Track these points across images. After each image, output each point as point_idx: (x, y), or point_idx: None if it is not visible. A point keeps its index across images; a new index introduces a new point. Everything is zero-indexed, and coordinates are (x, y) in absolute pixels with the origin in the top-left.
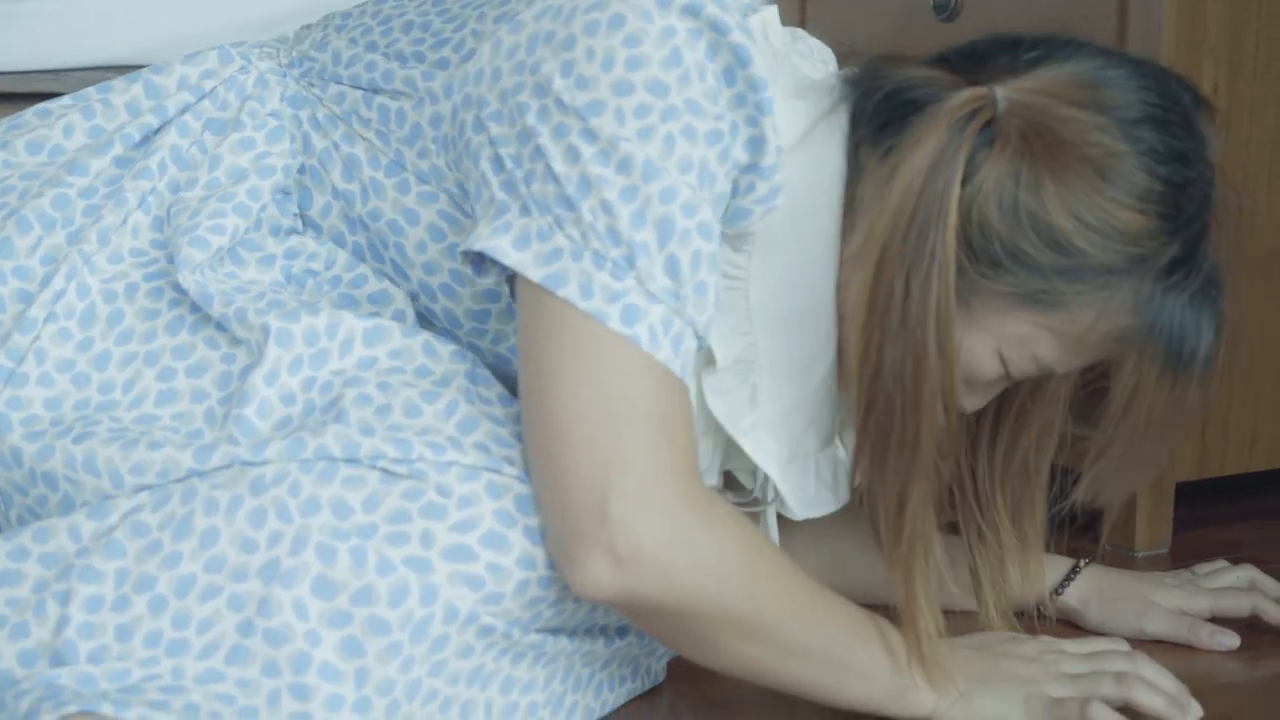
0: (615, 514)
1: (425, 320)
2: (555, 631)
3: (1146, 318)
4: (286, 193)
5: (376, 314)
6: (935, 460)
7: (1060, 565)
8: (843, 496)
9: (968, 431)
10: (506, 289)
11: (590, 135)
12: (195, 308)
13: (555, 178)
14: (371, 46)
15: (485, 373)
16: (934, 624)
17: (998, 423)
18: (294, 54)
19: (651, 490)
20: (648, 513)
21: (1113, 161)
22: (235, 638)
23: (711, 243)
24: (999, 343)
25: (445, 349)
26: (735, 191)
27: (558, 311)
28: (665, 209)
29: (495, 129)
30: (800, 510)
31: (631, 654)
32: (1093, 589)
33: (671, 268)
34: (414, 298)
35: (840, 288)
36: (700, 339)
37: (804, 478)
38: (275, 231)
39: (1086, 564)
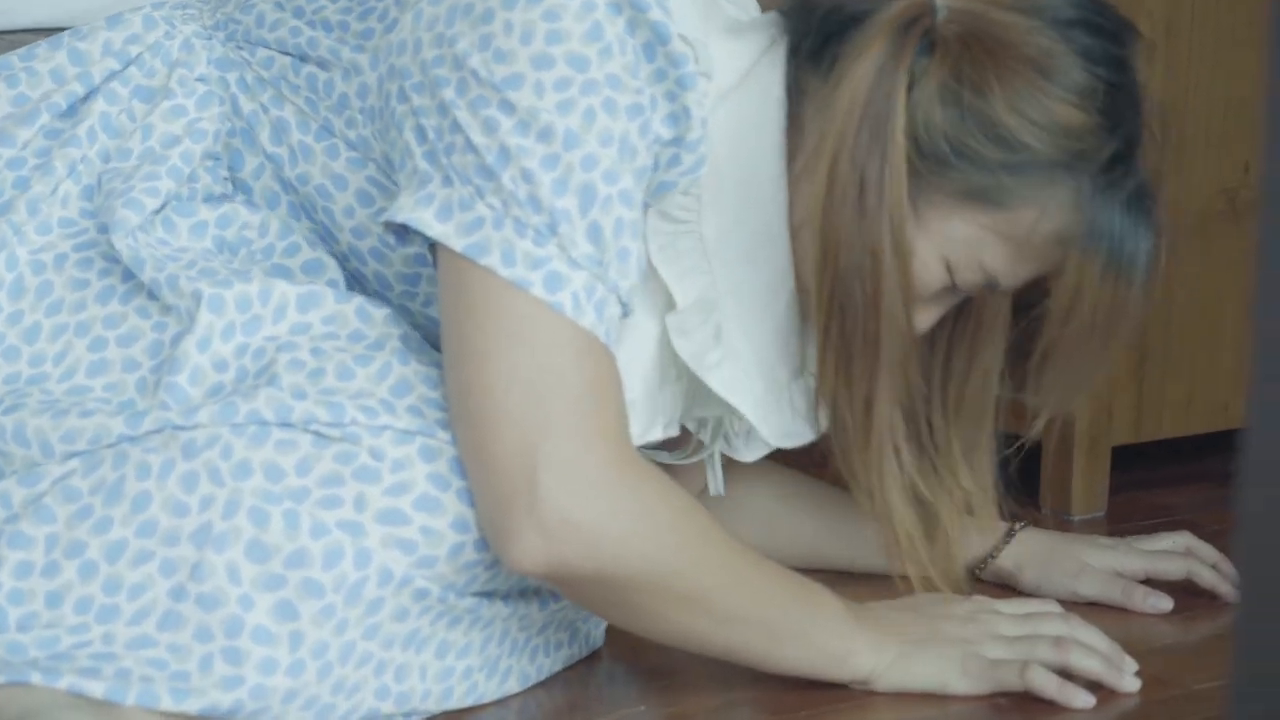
0: (543, 485)
1: (357, 283)
2: (490, 595)
3: (1087, 216)
4: (216, 158)
5: (310, 282)
6: (898, 359)
7: (996, 529)
8: (820, 426)
9: (920, 371)
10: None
11: (509, 107)
12: (127, 276)
13: (474, 149)
14: (298, 12)
15: (419, 337)
16: (909, 525)
17: (947, 367)
18: (219, 16)
19: (579, 460)
20: (576, 483)
21: (1052, 60)
22: (167, 603)
23: (633, 210)
24: (945, 248)
25: (379, 313)
26: (657, 165)
27: (480, 280)
28: (587, 176)
29: (417, 100)
30: (777, 441)
31: (568, 618)
32: (1028, 552)
33: (594, 234)
34: (345, 260)
35: (792, 209)
36: (625, 305)
37: (779, 410)
38: (208, 198)
39: (1022, 527)
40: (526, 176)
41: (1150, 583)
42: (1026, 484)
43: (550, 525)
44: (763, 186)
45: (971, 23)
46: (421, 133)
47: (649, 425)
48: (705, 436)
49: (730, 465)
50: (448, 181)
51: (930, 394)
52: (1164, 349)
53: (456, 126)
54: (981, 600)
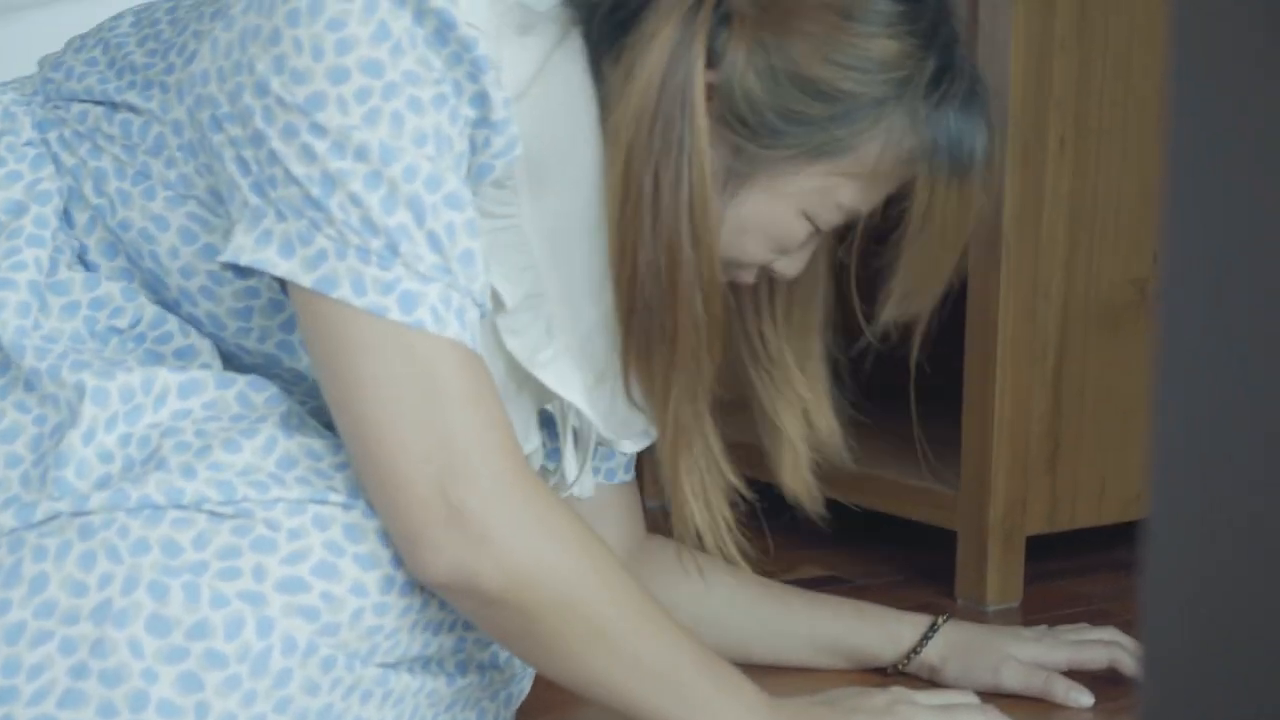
0: (456, 500)
1: (192, 326)
2: (396, 666)
3: (926, 134)
4: (63, 218)
5: (184, 368)
6: (697, 350)
7: (919, 623)
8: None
9: (750, 294)
10: (269, 283)
11: (319, 130)
12: (3, 366)
13: (296, 180)
14: (109, 61)
15: (300, 410)
16: (708, 519)
17: (772, 288)
18: (35, 80)
19: (487, 470)
20: (488, 493)
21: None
22: (68, 681)
23: (463, 211)
24: (800, 203)
25: (259, 396)
26: (474, 148)
27: (338, 314)
28: (411, 188)
29: (232, 130)
30: (613, 433)
31: (475, 697)
32: (950, 645)
33: (434, 244)
34: (177, 306)
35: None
36: (481, 306)
37: (613, 400)
38: (72, 265)
39: (945, 620)
40: (354, 200)
41: (1074, 674)
42: (941, 574)
43: (464, 535)
44: (580, 175)
45: None
46: (243, 164)
47: (522, 439)
48: (565, 463)
49: (670, 561)
50: (281, 216)
51: (759, 307)
52: (1077, 440)
53: (274, 158)
54: (899, 691)
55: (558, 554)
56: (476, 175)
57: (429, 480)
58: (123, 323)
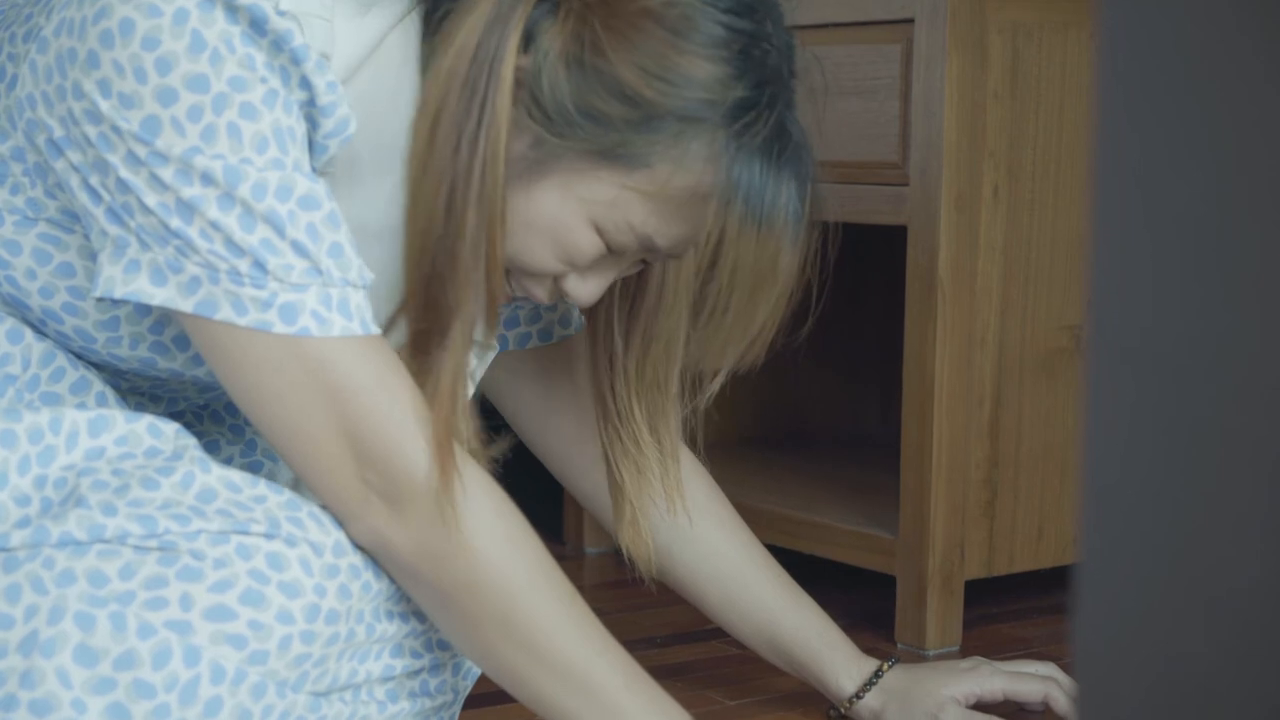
0: (371, 483)
1: (60, 344)
2: (327, 694)
3: (723, 168)
4: None
5: (83, 404)
6: (467, 333)
7: (865, 667)
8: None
9: (602, 349)
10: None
11: (161, 158)
12: None
13: (150, 211)
14: None
15: (209, 445)
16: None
17: (628, 337)
18: None
19: (394, 452)
20: (396, 476)
21: (677, 13)
22: None
23: (320, 208)
24: (590, 211)
25: (169, 428)
26: (312, 126)
27: (226, 335)
28: (264, 204)
29: (73, 156)
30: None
31: None
32: (889, 692)
33: (299, 251)
34: (42, 325)
35: None
36: (364, 286)
37: None
38: None
39: (890, 666)
40: (214, 225)
41: (1009, 705)
42: (881, 620)
43: (382, 510)
44: (391, 161)
45: None
46: (93, 192)
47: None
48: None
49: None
50: (144, 245)
51: (612, 362)
52: (1014, 485)
53: (124, 187)
54: None
55: (470, 533)
56: (313, 155)
57: (346, 470)
58: (15, 369)
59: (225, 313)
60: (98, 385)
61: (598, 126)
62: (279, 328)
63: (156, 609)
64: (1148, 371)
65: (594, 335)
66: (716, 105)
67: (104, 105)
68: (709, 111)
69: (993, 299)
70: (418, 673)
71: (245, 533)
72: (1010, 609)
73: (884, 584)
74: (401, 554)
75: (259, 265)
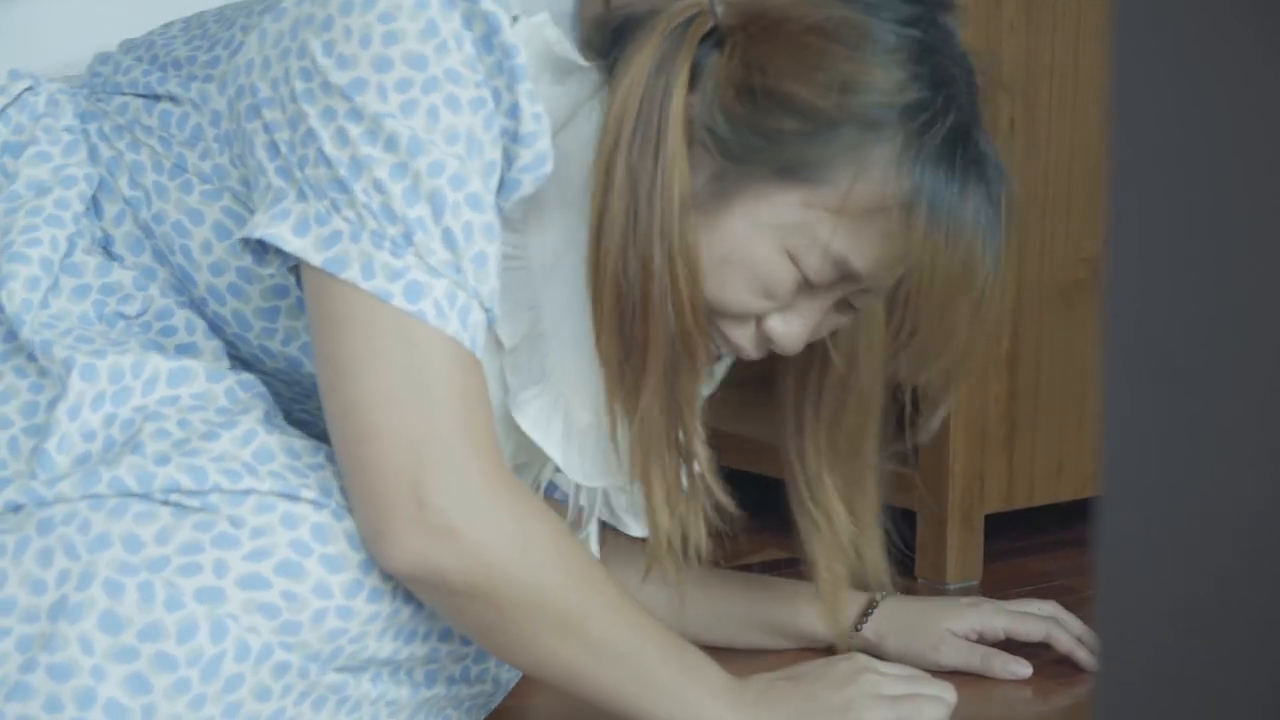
0: (425, 491)
1: (216, 328)
2: (357, 672)
3: (904, 171)
4: (89, 205)
5: (179, 358)
6: (671, 369)
7: (858, 600)
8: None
9: (792, 411)
10: (293, 281)
11: (356, 115)
12: (9, 336)
13: (328, 161)
14: (153, 59)
15: (283, 413)
16: (674, 528)
17: (820, 397)
18: (86, 75)
19: (460, 467)
20: (458, 489)
21: (840, 23)
22: (17, 675)
23: (483, 214)
24: (779, 237)
25: (247, 394)
26: (510, 161)
27: (343, 295)
28: (434, 182)
29: (269, 114)
30: (585, 479)
31: (439, 706)
32: (889, 623)
33: (449, 241)
34: (203, 304)
35: None
36: (488, 311)
37: (597, 443)
38: (90, 250)
39: (883, 598)
40: (378, 187)
41: (1011, 643)
42: (901, 553)
43: (430, 529)
44: (581, 216)
45: (751, 10)
46: (274, 148)
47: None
48: (582, 504)
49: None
50: (302, 196)
51: (801, 423)
52: (1033, 418)
53: (310, 137)
54: (862, 659)
55: (525, 548)
56: (506, 190)
57: (402, 469)
58: (131, 310)
59: (352, 272)
60: (206, 357)
61: (774, 145)
62: (398, 300)
63: (189, 575)
64: (1167, 301)
65: (782, 402)
66: (892, 109)
67: (322, 62)
68: (885, 115)
69: (1010, 232)
70: (463, 658)
71: (295, 498)
72: (1030, 542)
73: (904, 519)
74: (453, 578)
75: (405, 236)
